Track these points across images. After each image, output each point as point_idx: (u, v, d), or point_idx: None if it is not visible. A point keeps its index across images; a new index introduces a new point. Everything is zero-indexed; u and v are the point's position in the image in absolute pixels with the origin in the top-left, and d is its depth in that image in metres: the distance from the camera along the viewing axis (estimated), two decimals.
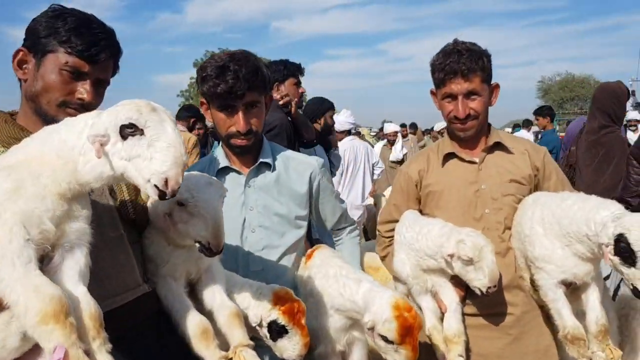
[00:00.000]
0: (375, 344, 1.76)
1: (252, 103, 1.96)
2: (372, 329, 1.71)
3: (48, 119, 1.47)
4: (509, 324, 2.10)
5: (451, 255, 1.90)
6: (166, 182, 1.17)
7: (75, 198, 1.25)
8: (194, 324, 1.55)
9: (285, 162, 2.11)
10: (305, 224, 2.14)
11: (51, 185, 1.21)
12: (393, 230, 2.27)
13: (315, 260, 2.06)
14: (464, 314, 2.08)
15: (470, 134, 2.14)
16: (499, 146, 2.17)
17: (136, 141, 1.18)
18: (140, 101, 1.24)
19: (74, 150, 1.23)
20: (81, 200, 1.28)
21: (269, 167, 2.07)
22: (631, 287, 1.74)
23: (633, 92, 27.54)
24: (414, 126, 14.00)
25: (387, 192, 5.27)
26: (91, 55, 1.48)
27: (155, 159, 1.17)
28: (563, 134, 12.10)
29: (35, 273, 1.12)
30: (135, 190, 1.66)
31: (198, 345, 1.54)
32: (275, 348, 1.72)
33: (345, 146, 6.10)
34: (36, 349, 1.30)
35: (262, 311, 1.72)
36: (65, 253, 1.24)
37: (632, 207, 2.45)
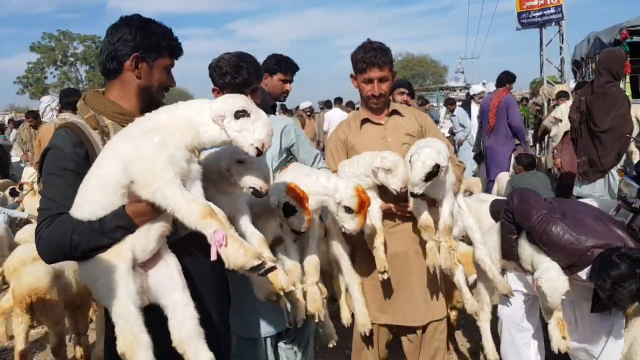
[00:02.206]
0: (337, 216, 2.47)
1: (255, 89, 2.69)
2: (339, 202, 2.44)
3: (152, 101, 2.04)
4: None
5: (377, 167, 2.73)
6: (262, 145, 1.85)
7: (192, 151, 1.85)
8: None
9: None
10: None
11: (182, 141, 1.80)
12: None
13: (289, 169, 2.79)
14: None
15: (381, 106, 3.12)
16: (395, 112, 3.18)
17: (244, 120, 1.83)
18: (243, 96, 1.91)
19: (195, 122, 1.83)
20: (194, 152, 1.88)
21: None
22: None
23: (462, 70, 31.34)
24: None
25: None
26: (179, 55, 2.09)
27: (257, 131, 1.83)
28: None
29: (188, 192, 1.75)
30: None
31: None
32: (287, 223, 2.33)
33: None
34: (157, 255, 1.89)
35: (279, 196, 2.34)
36: (191, 183, 1.84)
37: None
